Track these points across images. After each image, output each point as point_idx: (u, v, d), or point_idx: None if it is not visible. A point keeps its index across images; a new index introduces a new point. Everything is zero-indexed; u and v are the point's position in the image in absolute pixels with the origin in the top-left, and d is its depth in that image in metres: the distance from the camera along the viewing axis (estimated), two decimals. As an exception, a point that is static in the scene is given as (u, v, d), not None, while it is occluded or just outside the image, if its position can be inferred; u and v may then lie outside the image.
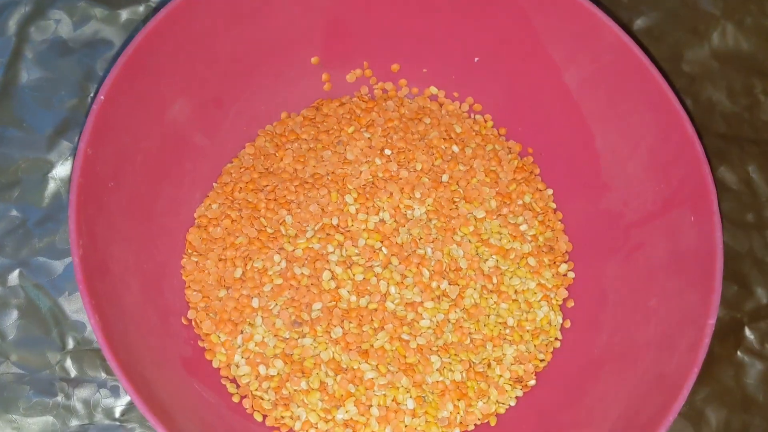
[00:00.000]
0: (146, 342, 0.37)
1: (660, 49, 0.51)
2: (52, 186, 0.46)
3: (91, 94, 0.47)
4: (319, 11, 0.43)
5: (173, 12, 0.38)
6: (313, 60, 0.46)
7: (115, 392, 0.43)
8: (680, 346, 0.37)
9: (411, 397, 0.40)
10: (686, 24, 0.52)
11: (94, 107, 0.36)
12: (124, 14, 0.49)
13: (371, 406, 0.40)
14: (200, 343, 0.41)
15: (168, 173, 0.42)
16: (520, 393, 0.42)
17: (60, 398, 0.42)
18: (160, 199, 0.41)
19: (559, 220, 0.46)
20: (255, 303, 0.41)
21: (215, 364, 0.41)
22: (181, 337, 0.41)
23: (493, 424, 0.41)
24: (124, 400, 0.43)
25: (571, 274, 0.45)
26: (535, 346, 0.43)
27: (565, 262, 0.45)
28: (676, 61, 0.51)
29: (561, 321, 0.44)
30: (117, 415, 0.42)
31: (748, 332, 0.46)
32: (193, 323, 0.41)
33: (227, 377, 0.41)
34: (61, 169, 0.46)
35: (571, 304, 0.44)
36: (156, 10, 0.49)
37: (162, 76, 0.39)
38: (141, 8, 0.49)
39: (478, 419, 0.41)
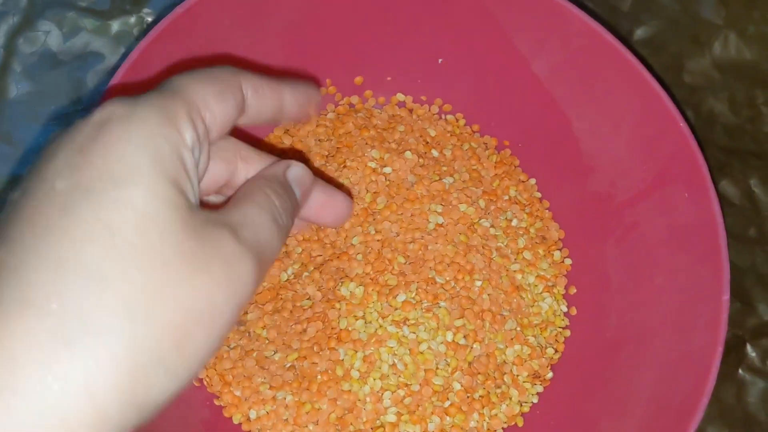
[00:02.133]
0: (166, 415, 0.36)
1: (660, 60, 0.50)
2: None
3: (82, 109, 0.46)
4: (274, 37, 0.41)
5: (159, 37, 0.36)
6: None
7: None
8: (698, 324, 0.36)
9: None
10: (687, 33, 0.51)
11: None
12: (116, 26, 0.48)
13: None
14: (216, 402, 0.40)
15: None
16: (540, 389, 0.42)
17: None
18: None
19: (546, 209, 0.45)
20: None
21: (236, 421, 0.40)
22: (196, 400, 0.39)
23: (520, 425, 0.41)
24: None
25: (568, 261, 0.44)
26: (545, 338, 0.42)
27: (559, 250, 0.44)
28: (677, 71, 0.50)
29: (566, 309, 0.43)
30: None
31: (749, 350, 0.46)
32: (205, 382, 0.40)
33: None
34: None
35: (573, 290, 0.44)
36: (149, 24, 0.48)
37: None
38: (132, 19, 0.48)
39: (505, 422, 0.41)
